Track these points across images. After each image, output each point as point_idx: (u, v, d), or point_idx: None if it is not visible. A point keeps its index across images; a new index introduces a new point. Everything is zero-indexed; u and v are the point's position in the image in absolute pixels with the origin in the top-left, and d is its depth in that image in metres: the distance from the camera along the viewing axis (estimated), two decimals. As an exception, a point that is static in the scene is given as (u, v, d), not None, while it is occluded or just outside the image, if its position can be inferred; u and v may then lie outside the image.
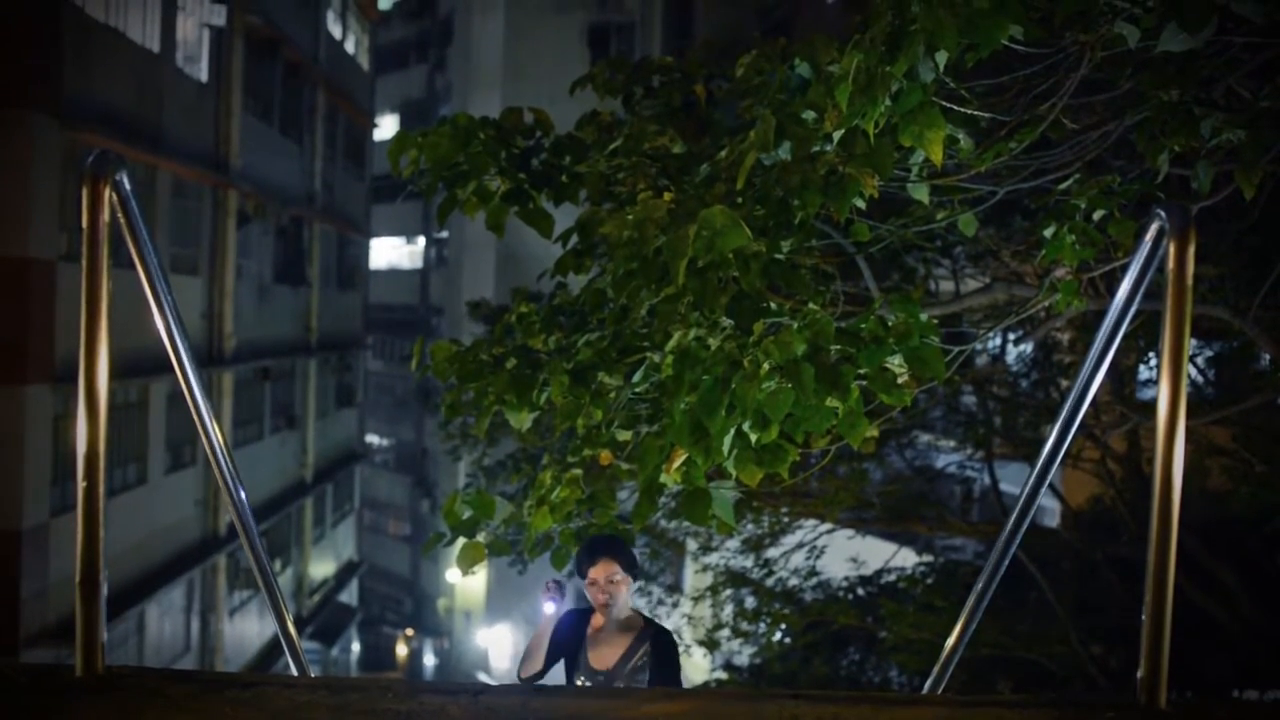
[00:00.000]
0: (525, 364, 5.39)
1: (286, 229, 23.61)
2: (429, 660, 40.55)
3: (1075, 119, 4.41)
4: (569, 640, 4.33)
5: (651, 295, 4.60)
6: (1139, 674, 2.51)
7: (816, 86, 4.21)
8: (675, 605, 16.48)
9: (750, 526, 12.47)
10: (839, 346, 3.98)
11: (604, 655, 4.25)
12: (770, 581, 13.33)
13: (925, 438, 12.94)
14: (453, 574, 32.36)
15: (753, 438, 4.06)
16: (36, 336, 12.74)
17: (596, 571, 4.26)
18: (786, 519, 12.48)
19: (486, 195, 5.43)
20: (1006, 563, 2.97)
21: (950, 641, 3.13)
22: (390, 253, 44.39)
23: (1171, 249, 2.39)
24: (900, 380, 4.02)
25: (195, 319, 18.10)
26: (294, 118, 24.16)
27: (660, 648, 4.24)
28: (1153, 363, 9.96)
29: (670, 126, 5.41)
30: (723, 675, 14.76)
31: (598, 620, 4.31)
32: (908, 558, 14.00)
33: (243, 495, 3.12)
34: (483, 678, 31.73)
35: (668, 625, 4.71)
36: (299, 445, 24.77)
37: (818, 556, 12.97)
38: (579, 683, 4.27)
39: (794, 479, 4.61)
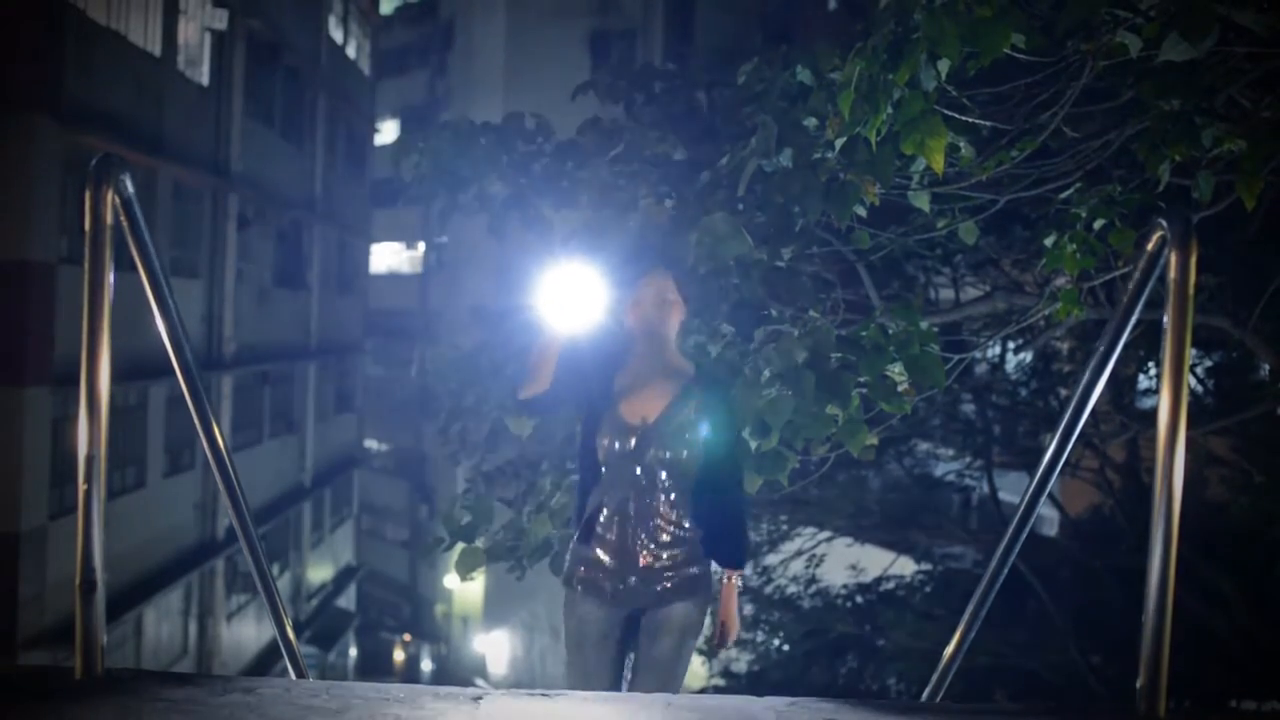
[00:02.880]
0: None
1: (287, 233, 23.61)
2: (426, 666, 40.47)
3: (1076, 128, 4.41)
4: (594, 372, 3.21)
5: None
6: (1138, 683, 2.52)
7: (818, 94, 4.22)
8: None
9: (749, 533, 12.45)
10: (839, 354, 3.98)
11: (640, 404, 3.20)
12: (769, 589, 13.31)
13: (924, 446, 12.91)
14: (451, 580, 32.33)
15: (752, 444, 4.06)
16: (36, 339, 12.73)
17: (645, 288, 3.23)
18: (785, 526, 12.47)
19: (488, 200, 5.45)
20: (1005, 571, 2.97)
21: (949, 650, 3.13)
22: (390, 258, 44.39)
23: (1173, 259, 2.39)
24: (900, 388, 4.03)
25: (195, 322, 18.10)
26: (295, 122, 24.16)
27: (713, 400, 3.25)
28: (1152, 372, 9.96)
29: (671, 133, 5.42)
30: (720, 683, 14.70)
31: (633, 359, 3.26)
32: (906, 566, 13.98)
33: (242, 499, 3.12)
34: (480, 684, 31.65)
35: None
36: (298, 449, 24.75)
37: (817, 564, 12.95)
38: (605, 443, 3.21)
39: (793, 486, 4.60)
